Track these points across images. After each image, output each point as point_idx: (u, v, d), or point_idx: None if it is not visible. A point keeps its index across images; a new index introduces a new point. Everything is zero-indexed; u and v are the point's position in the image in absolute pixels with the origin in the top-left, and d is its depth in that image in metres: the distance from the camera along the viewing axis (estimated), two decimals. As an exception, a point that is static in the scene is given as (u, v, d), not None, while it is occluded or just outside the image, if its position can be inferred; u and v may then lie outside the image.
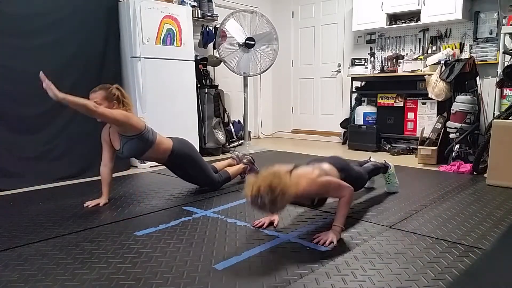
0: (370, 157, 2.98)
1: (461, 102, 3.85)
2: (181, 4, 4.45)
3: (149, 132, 2.66)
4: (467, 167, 3.58)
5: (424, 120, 4.62)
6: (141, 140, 2.62)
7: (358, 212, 2.46)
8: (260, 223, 2.23)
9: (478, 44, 4.48)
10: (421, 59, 4.71)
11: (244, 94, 5.10)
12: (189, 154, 2.87)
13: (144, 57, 3.94)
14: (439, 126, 4.21)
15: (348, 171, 2.30)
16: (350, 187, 2.04)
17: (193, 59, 4.44)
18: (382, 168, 2.83)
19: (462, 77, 4.03)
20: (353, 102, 5.36)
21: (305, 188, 1.94)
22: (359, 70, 5.22)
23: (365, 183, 2.66)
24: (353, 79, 5.28)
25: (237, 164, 3.32)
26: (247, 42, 4.73)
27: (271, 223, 2.23)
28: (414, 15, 4.78)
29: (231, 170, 3.17)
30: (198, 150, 4.47)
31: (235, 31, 4.71)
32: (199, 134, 4.58)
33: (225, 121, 5.03)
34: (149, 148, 2.67)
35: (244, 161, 3.32)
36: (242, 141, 5.21)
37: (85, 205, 2.64)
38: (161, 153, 2.75)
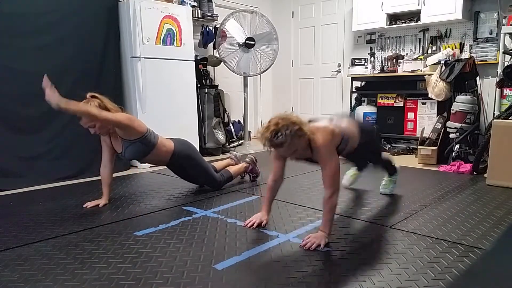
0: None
1: (461, 102, 3.86)
2: (181, 4, 4.44)
3: (151, 134, 2.66)
4: (467, 167, 3.58)
5: (424, 120, 4.62)
6: (143, 143, 2.61)
7: (358, 212, 2.46)
8: (250, 222, 2.20)
9: (478, 44, 4.48)
10: (421, 59, 4.71)
11: (244, 94, 5.10)
12: (191, 155, 2.87)
13: (144, 57, 3.93)
14: (439, 126, 4.21)
15: (371, 136, 2.10)
16: (337, 174, 1.86)
17: (193, 59, 4.44)
18: (392, 169, 2.71)
19: (462, 77, 4.03)
20: (353, 102, 5.35)
21: (318, 139, 1.83)
22: (359, 70, 5.21)
23: (377, 162, 2.52)
24: (353, 79, 5.28)
25: (236, 164, 3.30)
26: (247, 42, 4.73)
27: (260, 223, 2.19)
28: (414, 15, 4.78)
29: (232, 169, 3.16)
30: (198, 150, 4.52)
31: (235, 31, 4.70)
32: (199, 134, 4.57)
33: (225, 121, 5.03)
34: (151, 151, 2.67)
35: (247, 160, 3.28)
36: (242, 141, 5.20)
37: (84, 205, 2.63)
38: (163, 155, 2.75)
